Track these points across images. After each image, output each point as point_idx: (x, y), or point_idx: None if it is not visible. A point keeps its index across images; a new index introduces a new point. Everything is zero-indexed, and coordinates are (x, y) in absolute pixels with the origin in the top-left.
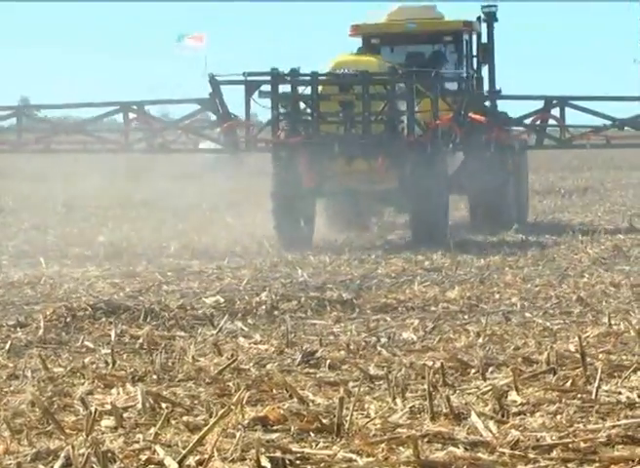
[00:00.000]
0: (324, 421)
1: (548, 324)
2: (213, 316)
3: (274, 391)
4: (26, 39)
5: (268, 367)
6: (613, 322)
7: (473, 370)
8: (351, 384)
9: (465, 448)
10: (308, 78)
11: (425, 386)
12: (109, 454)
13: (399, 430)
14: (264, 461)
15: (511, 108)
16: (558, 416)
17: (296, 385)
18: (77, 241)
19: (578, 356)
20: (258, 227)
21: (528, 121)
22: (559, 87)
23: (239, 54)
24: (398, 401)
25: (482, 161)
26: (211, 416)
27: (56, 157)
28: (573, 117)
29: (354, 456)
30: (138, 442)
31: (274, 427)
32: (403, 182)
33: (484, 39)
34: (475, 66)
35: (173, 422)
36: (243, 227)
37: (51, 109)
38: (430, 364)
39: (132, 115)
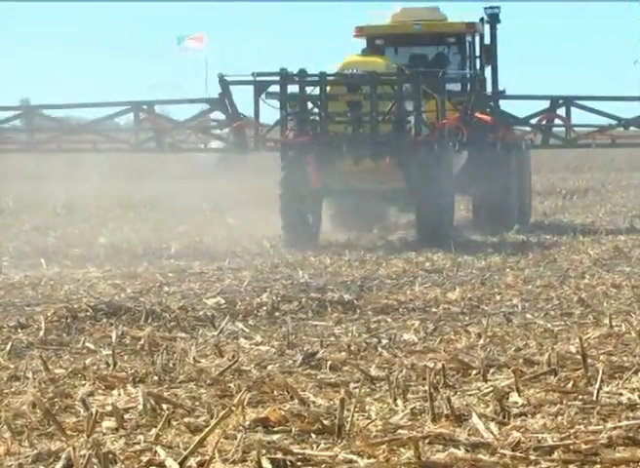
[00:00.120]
0: (325, 422)
1: (549, 325)
2: (214, 317)
3: (275, 392)
4: (26, 39)
5: (269, 368)
6: (614, 323)
7: (474, 372)
8: (352, 385)
9: (466, 450)
10: (317, 78)
11: (426, 387)
12: (110, 456)
13: (400, 431)
14: (265, 462)
15: (515, 108)
16: (559, 418)
17: (297, 386)
18: (78, 242)
19: (579, 357)
20: (258, 228)
21: (534, 121)
22: (560, 87)
23: (239, 54)
24: (399, 402)
25: (486, 161)
26: (212, 418)
27: (56, 158)
28: (578, 117)
29: (355, 458)
30: (139, 443)
31: (275, 428)
32: (410, 182)
33: (487, 40)
34: (478, 67)
35: (174, 423)
36: (244, 228)
37: (60, 109)
38: (431, 365)
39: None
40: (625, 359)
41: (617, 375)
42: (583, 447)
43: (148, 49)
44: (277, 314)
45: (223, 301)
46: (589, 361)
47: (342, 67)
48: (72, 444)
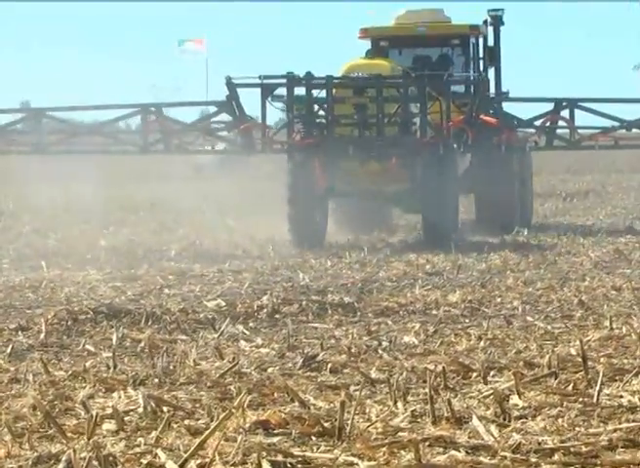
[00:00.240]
0: (325, 425)
1: (550, 327)
2: (214, 319)
3: (275, 395)
4: (27, 41)
5: (270, 370)
6: (614, 325)
7: (475, 374)
8: (352, 388)
9: (467, 452)
10: (323, 81)
11: (427, 390)
12: (111, 458)
13: (400, 434)
14: (266, 465)
15: (518, 110)
16: (560, 420)
17: (297, 389)
18: (78, 244)
19: (579, 360)
20: (259, 230)
21: (538, 122)
22: (562, 88)
23: (239, 56)
24: (399, 404)
25: (489, 162)
26: (212, 420)
27: (56, 160)
28: (582, 119)
29: (355, 460)
30: (139, 446)
31: (275, 431)
32: (415, 183)
33: (490, 42)
34: (482, 69)
35: (174, 426)
36: (244, 230)
37: (68, 112)
38: (432, 367)
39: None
40: (626, 361)
41: (617, 378)
42: (584, 449)
43: (149, 51)
44: (277, 316)
45: (224, 304)
46: (590, 363)
47: (347, 71)
48: (73, 446)
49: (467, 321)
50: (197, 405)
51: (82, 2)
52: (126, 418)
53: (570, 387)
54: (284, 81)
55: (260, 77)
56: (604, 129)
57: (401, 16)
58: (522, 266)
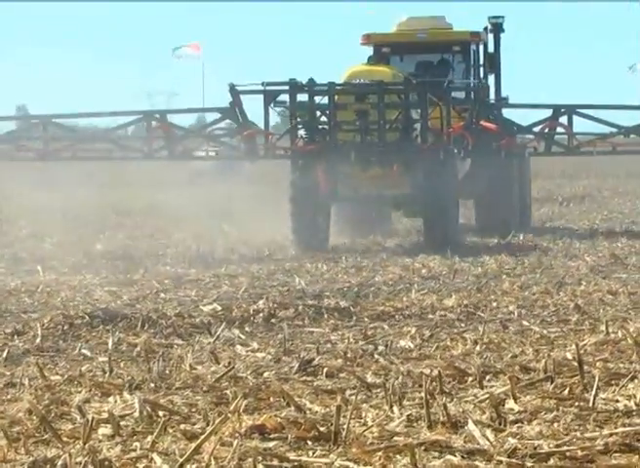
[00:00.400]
0: (321, 429)
1: (546, 332)
2: (210, 324)
3: (271, 399)
4: (23, 46)
5: (265, 375)
6: (610, 330)
7: (470, 378)
8: (348, 392)
9: (462, 457)
10: (326, 88)
11: (423, 394)
12: (106, 463)
13: (396, 438)
14: None
15: (517, 117)
16: (555, 424)
17: (293, 393)
18: (74, 249)
19: (575, 364)
20: (255, 235)
21: (537, 129)
22: (560, 94)
23: (236, 62)
24: (395, 409)
25: (489, 167)
26: (208, 424)
27: (54, 166)
28: (580, 125)
29: (351, 464)
30: (135, 450)
31: (271, 435)
32: (416, 188)
33: (491, 49)
34: (482, 75)
35: (170, 430)
36: (240, 235)
37: (73, 118)
38: (427, 372)
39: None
40: (622, 366)
41: (613, 382)
42: (580, 453)
43: (145, 55)
44: (273, 321)
45: (220, 308)
46: (585, 367)
47: (350, 77)
48: (68, 451)
49: (463, 325)
50: (193, 409)
51: (76, 2)
52: (122, 423)
53: (566, 391)
54: (287, 88)
55: (262, 84)
56: (602, 135)
57: (403, 22)
58: (518, 270)
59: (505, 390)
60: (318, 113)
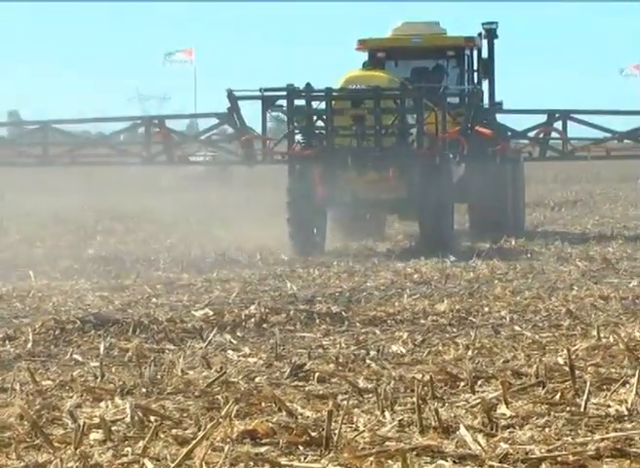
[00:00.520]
0: (313, 434)
1: (537, 337)
2: (202, 329)
3: (263, 404)
4: (15, 53)
5: (257, 380)
6: (602, 335)
7: (462, 383)
8: (340, 397)
9: (454, 462)
10: (323, 94)
11: (414, 399)
12: None
13: (388, 443)
14: None
15: (512, 122)
16: (547, 429)
17: (284, 398)
18: (66, 254)
19: (567, 369)
20: (247, 240)
21: (532, 134)
22: (554, 100)
23: (228, 67)
24: (387, 414)
25: (484, 172)
26: (199, 430)
27: (46, 171)
28: (574, 130)
29: None
30: (126, 455)
31: (263, 440)
32: (412, 192)
33: (485, 54)
34: (476, 80)
35: (161, 435)
36: (232, 240)
37: (73, 124)
38: (419, 377)
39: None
40: (613, 371)
41: (604, 387)
42: (571, 458)
43: (136, 60)
44: (265, 326)
45: (212, 313)
46: (577, 373)
47: (346, 82)
48: (60, 456)
49: (455, 330)
50: (185, 414)
51: (70, 2)
52: (113, 428)
53: (557, 396)
54: (284, 93)
55: (260, 90)
56: (596, 140)
57: (398, 27)
58: (510, 275)
59: (497, 395)
60: (315, 118)
